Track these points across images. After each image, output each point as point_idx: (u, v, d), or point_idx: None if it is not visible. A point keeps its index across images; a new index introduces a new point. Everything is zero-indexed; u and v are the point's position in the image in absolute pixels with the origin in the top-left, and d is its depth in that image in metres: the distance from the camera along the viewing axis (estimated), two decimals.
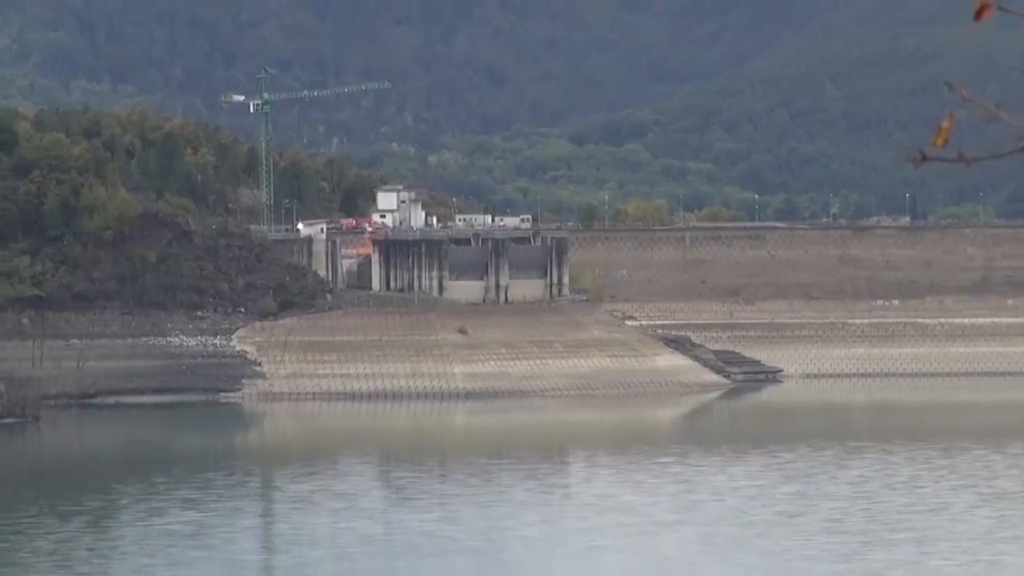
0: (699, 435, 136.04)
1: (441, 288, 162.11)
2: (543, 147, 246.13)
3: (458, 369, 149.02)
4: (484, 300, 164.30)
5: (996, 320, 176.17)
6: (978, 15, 4.19)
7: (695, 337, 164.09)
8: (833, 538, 75.51)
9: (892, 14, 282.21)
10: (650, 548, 74.71)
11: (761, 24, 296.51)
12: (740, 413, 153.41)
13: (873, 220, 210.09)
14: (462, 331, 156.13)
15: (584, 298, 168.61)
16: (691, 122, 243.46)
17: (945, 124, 3.72)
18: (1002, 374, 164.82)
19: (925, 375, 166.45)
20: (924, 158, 3.80)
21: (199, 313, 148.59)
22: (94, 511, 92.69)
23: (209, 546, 78.63)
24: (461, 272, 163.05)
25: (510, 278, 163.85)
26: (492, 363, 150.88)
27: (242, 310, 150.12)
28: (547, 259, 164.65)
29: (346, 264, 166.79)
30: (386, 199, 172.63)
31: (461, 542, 76.72)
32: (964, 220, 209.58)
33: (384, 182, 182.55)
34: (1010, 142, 3.68)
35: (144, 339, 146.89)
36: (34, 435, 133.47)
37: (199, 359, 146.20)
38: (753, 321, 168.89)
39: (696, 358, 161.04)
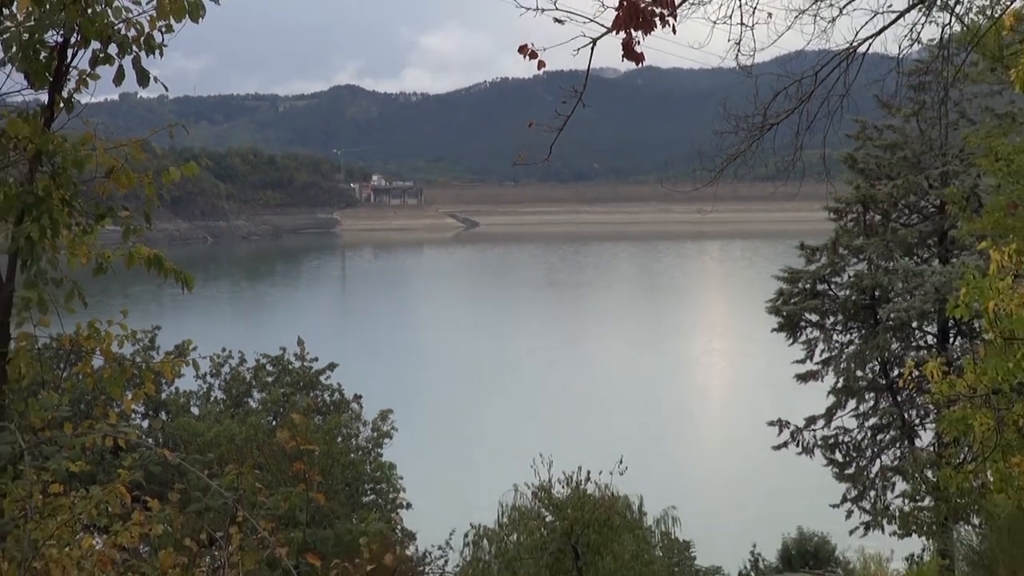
0: (456, 240, 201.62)
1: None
2: (427, 171, 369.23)
3: (395, 223, 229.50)
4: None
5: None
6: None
7: (456, 215, 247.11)
8: (502, 268, 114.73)
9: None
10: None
11: (485, 120, 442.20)
12: (470, 236, 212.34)
13: (506, 185, 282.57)
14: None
15: (432, 207, 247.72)
16: (458, 161, 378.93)
17: (521, 155, 7.68)
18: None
19: (529, 225, 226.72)
20: (516, 164, 7.83)
21: (328, 208, 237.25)
22: (289, 260, 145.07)
23: (321, 269, 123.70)
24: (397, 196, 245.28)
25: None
26: (402, 221, 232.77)
27: (338, 207, 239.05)
28: (418, 195, 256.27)
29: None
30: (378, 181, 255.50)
31: (407, 271, 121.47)
32: (534, 184, 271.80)
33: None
34: (538, 159, 7.29)
35: (311, 214, 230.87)
36: (280, 242, 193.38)
37: (325, 218, 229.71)
38: (474, 210, 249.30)
39: (457, 220, 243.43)
